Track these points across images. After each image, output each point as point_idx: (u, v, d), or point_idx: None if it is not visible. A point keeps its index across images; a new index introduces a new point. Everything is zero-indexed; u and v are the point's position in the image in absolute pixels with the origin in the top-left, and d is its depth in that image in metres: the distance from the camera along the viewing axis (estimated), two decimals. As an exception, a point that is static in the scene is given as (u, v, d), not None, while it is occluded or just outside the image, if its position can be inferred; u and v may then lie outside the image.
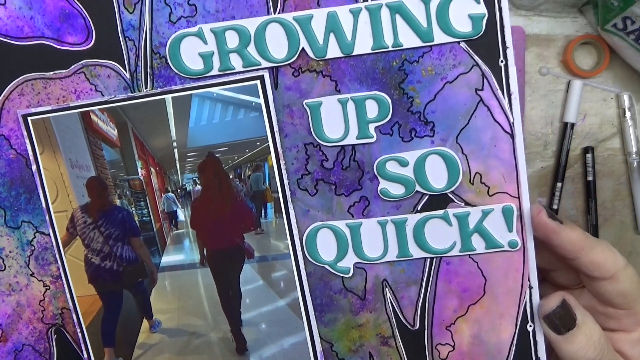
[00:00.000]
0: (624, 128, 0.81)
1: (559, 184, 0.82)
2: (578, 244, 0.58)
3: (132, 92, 0.62)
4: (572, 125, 0.81)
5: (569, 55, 0.80)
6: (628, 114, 0.80)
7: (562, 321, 0.59)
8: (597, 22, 0.76)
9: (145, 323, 0.67)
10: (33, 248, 0.66)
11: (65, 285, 0.66)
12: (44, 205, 0.65)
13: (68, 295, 0.67)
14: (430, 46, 0.58)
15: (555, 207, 0.82)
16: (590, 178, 0.81)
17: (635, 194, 0.81)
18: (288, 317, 0.65)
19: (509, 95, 0.59)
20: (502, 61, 0.58)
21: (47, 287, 0.67)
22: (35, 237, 0.66)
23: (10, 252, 0.67)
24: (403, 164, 0.61)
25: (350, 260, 0.64)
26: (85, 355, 0.68)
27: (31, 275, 0.67)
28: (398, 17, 0.58)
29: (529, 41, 0.83)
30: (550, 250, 0.59)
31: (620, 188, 0.82)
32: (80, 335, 0.68)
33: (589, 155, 0.81)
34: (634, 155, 0.80)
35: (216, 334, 0.66)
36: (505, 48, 0.58)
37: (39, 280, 0.67)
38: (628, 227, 0.82)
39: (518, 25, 0.80)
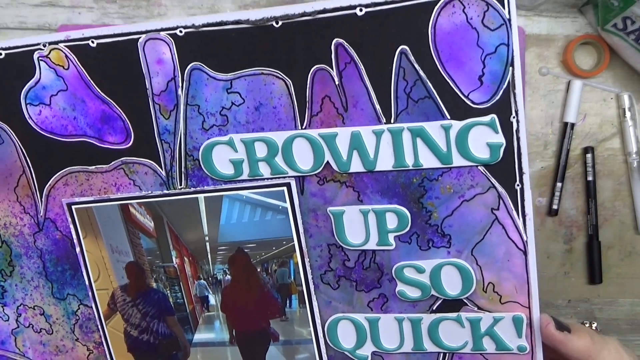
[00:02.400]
0: (624, 128, 0.80)
1: (559, 184, 0.81)
2: (585, 352, 0.62)
3: (167, 189, 0.66)
4: (572, 125, 0.80)
5: (569, 55, 0.79)
6: (628, 114, 0.79)
7: None
8: (597, 22, 0.76)
9: (180, 388, 0.74)
10: (78, 317, 0.73)
11: (107, 354, 0.73)
12: (87, 282, 0.70)
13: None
14: (450, 167, 0.61)
15: (555, 207, 0.82)
16: (590, 178, 0.81)
17: (635, 194, 0.80)
18: (310, 393, 0.70)
19: (524, 216, 0.61)
20: (518, 185, 0.61)
21: (91, 351, 0.74)
22: (79, 308, 0.72)
23: (57, 319, 0.73)
24: (420, 270, 0.64)
25: (368, 349, 0.69)
26: (125, 411, 0.75)
27: (76, 340, 0.74)
28: (419, 140, 0.61)
29: (529, 41, 0.83)
30: None
31: (620, 188, 0.81)
32: (120, 394, 0.74)
33: (589, 155, 0.81)
34: (634, 155, 0.80)
35: (245, 403, 0.72)
36: (522, 174, 0.60)
37: (83, 345, 0.74)
38: (628, 227, 0.82)
39: (518, 26, 0.79)
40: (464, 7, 0.57)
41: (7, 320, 0.74)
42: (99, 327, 0.72)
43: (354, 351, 0.69)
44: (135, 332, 0.71)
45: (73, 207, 0.68)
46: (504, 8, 0.56)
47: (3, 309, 0.73)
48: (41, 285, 0.72)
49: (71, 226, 0.68)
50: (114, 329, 0.71)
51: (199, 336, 0.71)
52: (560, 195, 0.81)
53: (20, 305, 0.73)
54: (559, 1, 0.78)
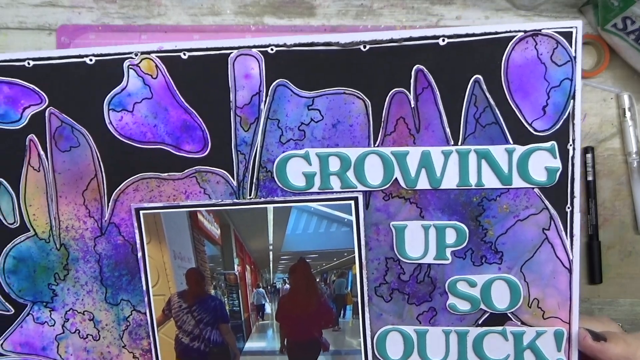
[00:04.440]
0: (624, 128, 0.78)
1: (559, 184, 0.79)
2: (623, 356, 0.65)
3: (237, 199, 0.67)
4: (573, 125, 0.76)
5: (569, 55, 0.75)
6: (628, 114, 0.77)
7: None
8: (597, 22, 0.74)
9: (222, 399, 0.72)
10: (128, 323, 0.71)
11: (154, 358, 0.71)
12: (144, 287, 0.70)
13: (155, 368, 0.71)
14: (508, 188, 0.64)
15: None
16: (590, 178, 0.79)
17: (635, 194, 0.79)
18: (352, 405, 0.71)
19: (572, 237, 0.65)
20: (569, 208, 0.65)
21: (137, 359, 0.72)
22: (131, 314, 0.71)
23: (106, 324, 0.72)
24: (472, 284, 0.67)
25: (413, 361, 0.70)
26: (163, 421, 0.73)
27: (123, 347, 0.72)
28: (484, 162, 0.64)
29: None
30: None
31: (620, 188, 0.79)
32: (161, 403, 0.73)
33: (589, 155, 0.78)
34: (634, 155, 0.78)
35: (286, 415, 0.72)
36: (572, 197, 0.64)
37: (130, 352, 0.72)
38: (628, 227, 0.80)
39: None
40: (536, 44, 0.62)
41: (53, 325, 0.72)
42: (150, 333, 0.71)
43: (400, 363, 0.70)
44: (187, 339, 0.70)
45: (141, 212, 0.67)
46: (571, 46, 0.61)
47: (50, 314, 0.71)
48: (95, 290, 0.71)
49: (136, 231, 0.68)
50: (166, 335, 0.70)
51: (250, 344, 0.71)
52: (560, 195, 0.79)
53: (69, 310, 0.71)
54: (559, 1, 0.77)
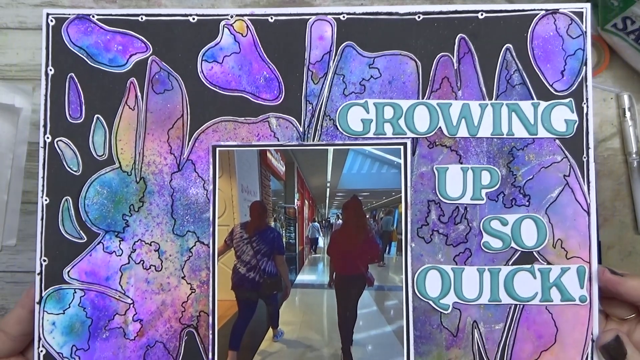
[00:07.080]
0: (624, 128, 0.77)
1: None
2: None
3: (302, 142, 0.72)
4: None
5: (570, 56, 0.69)
6: (628, 114, 0.76)
7: (615, 352, 0.67)
8: (597, 22, 0.73)
9: (269, 332, 0.72)
10: (190, 254, 0.72)
11: (211, 289, 0.71)
12: (211, 218, 0.72)
13: (211, 298, 0.71)
14: (534, 139, 0.71)
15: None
16: None
17: (635, 194, 0.77)
18: (392, 342, 0.71)
19: (588, 183, 0.71)
20: (585, 157, 0.71)
21: (193, 290, 0.72)
22: (195, 246, 0.73)
23: (170, 255, 0.73)
24: (504, 223, 0.71)
25: (450, 299, 0.72)
26: (211, 357, 0.71)
27: (182, 277, 0.72)
28: (513, 114, 0.72)
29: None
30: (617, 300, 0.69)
31: (620, 188, 0.78)
32: (211, 336, 0.71)
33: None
34: (634, 155, 0.77)
35: (328, 350, 0.71)
36: (587, 148, 0.71)
37: (188, 283, 0.72)
38: (628, 227, 0.79)
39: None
40: (555, 20, 0.72)
41: (120, 255, 0.73)
42: (211, 261, 0.72)
43: (438, 301, 0.71)
44: (243, 269, 0.72)
45: (217, 149, 0.72)
46: (582, 23, 0.72)
47: (120, 244, 0.73)
48: (164, 222, 0.73)
49: (210, 166, 0.72)
50: (224, 265, 0.72)
51: (301, 277, 0.73)
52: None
53: (137, 241, 0.73)
54: (558, 1, 0.77)
